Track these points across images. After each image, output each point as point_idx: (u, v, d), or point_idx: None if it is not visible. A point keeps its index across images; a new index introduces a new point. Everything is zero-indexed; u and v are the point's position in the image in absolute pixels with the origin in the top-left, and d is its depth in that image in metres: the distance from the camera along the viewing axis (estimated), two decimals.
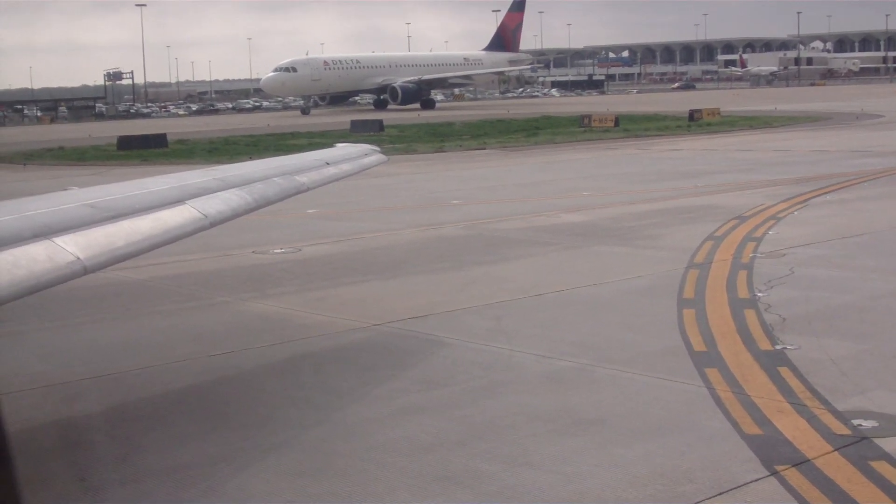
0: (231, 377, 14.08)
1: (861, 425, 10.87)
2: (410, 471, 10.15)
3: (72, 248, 9.25)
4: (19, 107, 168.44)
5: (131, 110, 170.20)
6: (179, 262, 22.01)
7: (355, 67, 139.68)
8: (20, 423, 11.89)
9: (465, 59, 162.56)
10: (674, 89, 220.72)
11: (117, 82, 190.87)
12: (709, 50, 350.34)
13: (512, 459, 10.33)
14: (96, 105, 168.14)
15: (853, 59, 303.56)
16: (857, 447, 10.28)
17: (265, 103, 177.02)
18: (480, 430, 11.28)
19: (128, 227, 10.30)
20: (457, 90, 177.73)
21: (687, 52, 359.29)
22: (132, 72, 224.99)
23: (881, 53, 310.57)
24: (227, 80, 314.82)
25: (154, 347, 15.57)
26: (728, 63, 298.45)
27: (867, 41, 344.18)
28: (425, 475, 10.02)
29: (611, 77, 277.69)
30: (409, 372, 13.77)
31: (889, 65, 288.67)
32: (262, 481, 10.03)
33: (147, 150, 63.93)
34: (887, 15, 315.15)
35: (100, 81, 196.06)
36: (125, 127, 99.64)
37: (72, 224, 9.71)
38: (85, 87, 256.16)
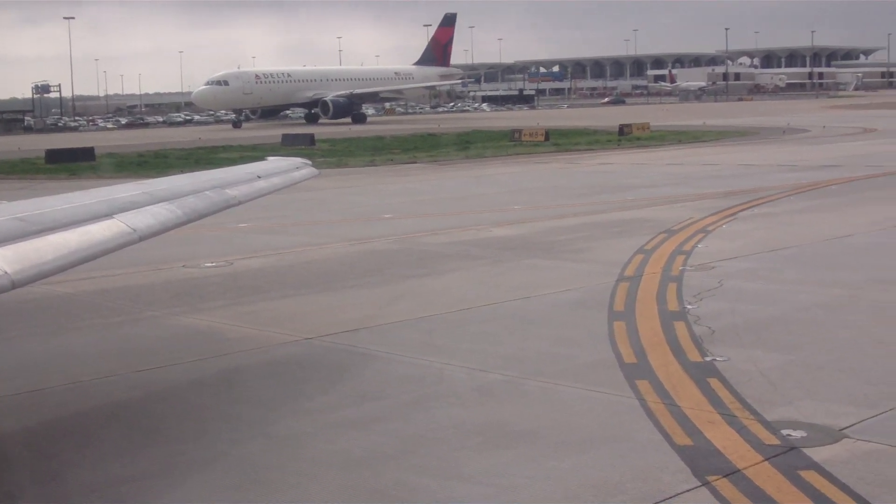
0: (162, 392, 13.97)
1: (790, 435, 11.00)
2: (343, 484, 10.13)
3: None
4: None
5: (59, 123, 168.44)
6: (108, 276, 21.81)
7: (287, 81, 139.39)
8: None
9: (396, 73, 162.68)
10: (604, 104, 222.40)
11: (45, 95, 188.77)
12: (638, 65, 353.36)
13: (444, 473, 10.34)
14: (25, 118, 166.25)
15: (780, 74, 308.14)
16: (787, 457, 10.40)
17: (196, 117, 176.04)
18: (412, 443, 11.28)
19: (56, 241, 10.21)
20: (388, 104, 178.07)
21: (617, 67, 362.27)
22: (60, 85, 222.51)
23: (807, 69, 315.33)
24: (157, 94, 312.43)
25: (84, 362, 15.40)
26: (657, 78, 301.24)
27: (793, 57, 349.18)
28: (358, 489, 10.01)
29: (541, 92, 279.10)
30: (342, 386, 13.74)
31: (814, 80, 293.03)
32: (195, 497, 9.97)
33: (75, 163, 63.26)
34: (813, 31, 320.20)
35: (28, 94, 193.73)
36: (53, 140, 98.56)
37: (0, 237, 9.60)
38: (14, 100, 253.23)
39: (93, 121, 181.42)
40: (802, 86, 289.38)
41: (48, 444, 11.84)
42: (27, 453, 11.67)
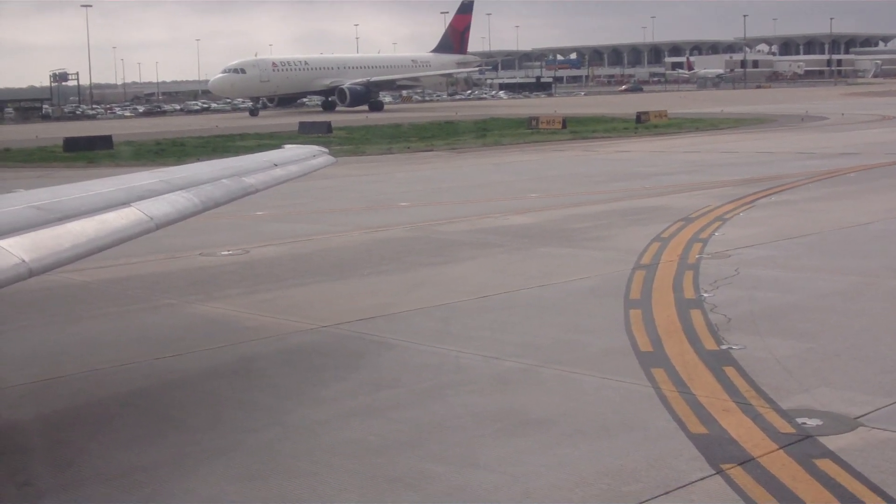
0: (178, 380, 14.01)
1: (805, 423, 10.98)
2: (359, 473, 10.14)
3: (17, 250, 9.19)
4: None
5: (77, 111, 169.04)
6: (125, 264, 21.88)
7: (304, 69, 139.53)
8: None
9: (413, 61, 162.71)
10: (621, 91, 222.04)
11: (63, 83, 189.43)
12: (656, 52, 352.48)
13: (460, 460, 10.35)
14: (43, 106, 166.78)
15: (798, 61, 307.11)
16: (802, 445, 10.38)
17: (213, 105, 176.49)
18: (428, 431, 11.30)
19: (74, 229, 10.25)
20: (405, 92, 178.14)
21: (634, 54, 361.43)
22: (77, 73, 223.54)
23: (825, 56, 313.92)
24: (174, 82, 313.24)
25: (100, 350, 15.45)
26: (675, 65, 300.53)
27: (811, 44, 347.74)
28: (374, 477, 10.02)
29: (558, 79, 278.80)
30: (358, 374, 13.77)
31: (833, 67, 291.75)
32: (210, 485, 9.99)
33: (93, 151, 63.43)
34: (831, 18, 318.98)
35: (46, 82, 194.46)
36: (71, 128, 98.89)
37: (18, 226, 9.65)
38: (32, 88, 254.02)
39: (110, 109, 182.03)
40: (821, 73, 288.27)
41: (64, 432, 11.88)
42: (42, 441, 11.71)
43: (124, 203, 11.46)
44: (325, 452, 10.74)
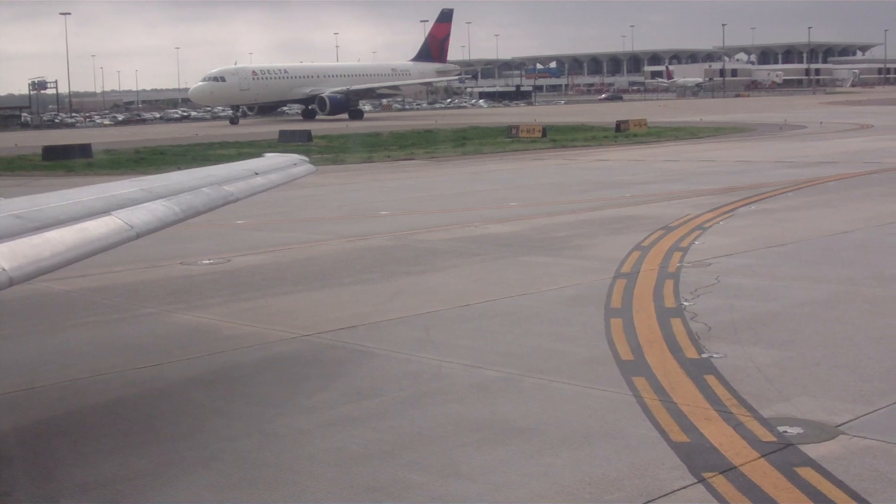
0: (158, 390, 13.96)
1: (786, 432, 11.02)
2: (340, 482, 10.13)
3: None
4: None
5: (56, 120, 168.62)
6: (105, 273, 21.82)
7: (283, 77, 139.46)
8: None
9: (392, 69, 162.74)
10: (601, 100, 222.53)
11: (42, 91, 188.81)
12: (635, 61, 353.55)
13: (441, 470, 10.35)
14: (21, 114, 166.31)
15: (777, 70, 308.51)
16: (783, 453, 10.41)
17: (193, 113, 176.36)
18: (409, 440, 11.29)
19: (54, 237, 10.21)
20: (385, 101, 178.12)
21: (614, 63, 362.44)
22: (56, 81, 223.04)
23: (804, 65, 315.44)
24: (154, 90, 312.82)
25: (80, 360, 15.40)
26: (655, 74, 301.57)
27: (790, 53, 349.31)
28: (355, 486, 10.01)
29: (538, 88, 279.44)
30: (339, 383, 13.75)
31: (811, 77, 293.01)
32: (191, 495, 9.96)
33: (72, 160, 63.21)
34: (810, 28, 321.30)
35: (24, 90, 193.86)
36: (50, 136, 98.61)
37: None
38: (10, 97, 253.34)
39: (89, 117, 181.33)
40: (799, 82, 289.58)
41: (43, 442, 11.83)
42: (22, 451, 11.66)
43: (104, 211, 11.42)
44: (306, 461, 10.72)
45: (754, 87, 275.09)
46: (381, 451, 10.95)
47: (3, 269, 9.09)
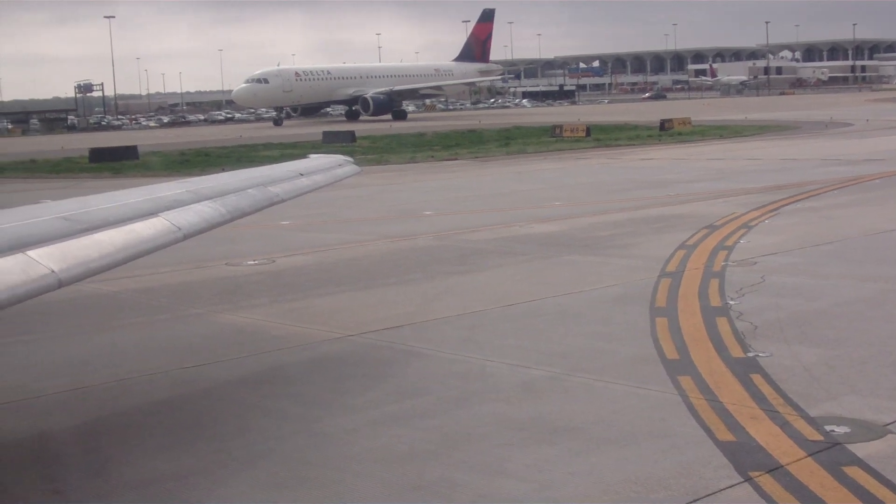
0: (205, 389, 14.07)
1: (833, 431, 10.96)
2: (385, 481, 10.17)
3: (46, 261, 9.24)
4: None
5: (102, 122, 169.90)
6: (152, 274, 21.98)
7: (327, 79, 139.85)
8: None
9: (435, 69, 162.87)
10: (644, 99, 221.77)
11: (88, 94, 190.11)
12: (679, 60, 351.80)
13: (486, 468, 10.37)
14: (68, 117, 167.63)
15: (822, 67, 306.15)
16: (830, 453, 10.36)
17: (237, 115, 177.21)
18: (455, 439, 11.32)
19: (102, 239, 10.29)
20: (428, 101, 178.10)
21: (657, 61, 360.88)
22: (102, 84, 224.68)
23: (849, 62, 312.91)
24: (198, 92, 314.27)
25: (128, 360, 15.53)
26: (698, 73, 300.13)
27: (835, 50, 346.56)
28: (400, 485, 10.05)
29: (581, 87, 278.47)
30: (384, 382, 13.80)
31: (857, 73, 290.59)
32: (237, 493, 10.04)
33: (119, 162, 63.70)
34: (854, 24, 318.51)
35: (70, 93, 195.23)
36: (96, 139, 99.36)
37: (45, 237, 9.69)
38: (56, 100, 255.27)
39: (135, 119, 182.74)
40: (845, 79, 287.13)
41: (92, 441, 11.96)
42: (71, 450, 11.79)
43: (152, 213, 11.51)
44: (352, 461, 10.77)
45: (799, 84, 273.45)
46: (426, 451, 10.98)
47: (53, 271, 9.17)
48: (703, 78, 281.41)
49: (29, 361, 15.81)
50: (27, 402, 13.55)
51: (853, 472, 9.84)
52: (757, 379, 13.04)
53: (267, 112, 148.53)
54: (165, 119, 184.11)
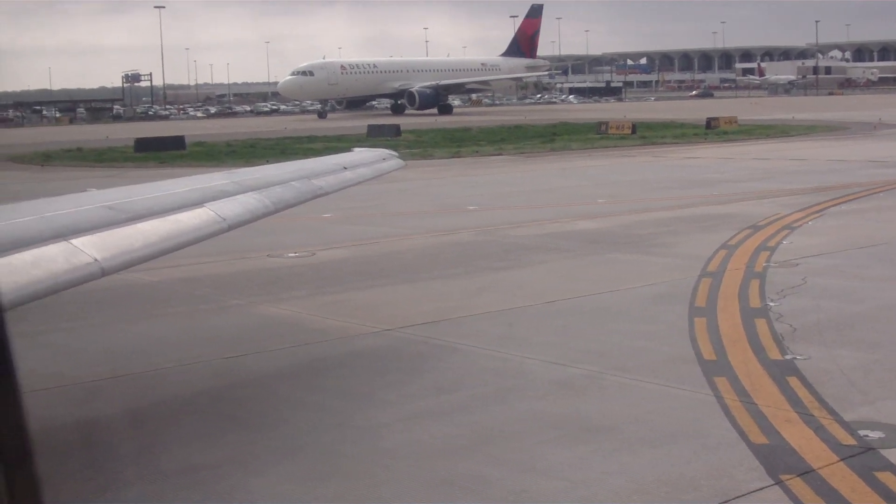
0: (243, 380, 14.19)
1: (867, 436, 10.93)
2: (418, 475, 10.25)
3: (90, 249, 9.37)
4: (38, 108, 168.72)
5: (149, 112, 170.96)
6: (194, 264, 22.13)
7: (372, 72, 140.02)
8: (35, 422, 11.97)
9: (482, 64, 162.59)
10: (691, 97, 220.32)
11: (135, 84, 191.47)
12: (727, 58, 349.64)
13: (519, 465, 10.43)
14: (114, 107, 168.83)
15: (872, 68, 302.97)
16: (863, 458, 10.34)
17: (283, 107, 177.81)
18: (488, 435, 11.38)
19: (146, 229, 10.44)
20: (474, 96, 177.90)
21: (705, 59, 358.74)
22: (150, 74, 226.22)
23: None
24: (244, 83, 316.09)
25: (168, 349, 15.69)
26: (746, 71, 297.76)
27: (886, 50, 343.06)
28: (433, 480, 10.13)
29: (628, 84, 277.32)
30: (420, 377, 13.88)
31: None
32: (272, 484, 10.14)
33: (165, 151, 63.99)
34: None
35: (118, 83, 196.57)
36: (143, 129, 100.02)
37: (90, 226, 9.83)
38: (103, 89, 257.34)
39: (182, 109, 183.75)
40: (895, 80, 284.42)
41: (128, 429, 12.09)
42: (107, 438, 11.94)
43: (197, 203, 11.64)
44: (386, 455, 10.86)
45: (848, 84, 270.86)
46: (459, 446, 11.05)
47: (96, 260, 9.30)
48: (751, 77, 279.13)
49: (70, 350, 16.00)
50: (67, 389, 13.70)
51: (885, 477, 9.82)
52: (793, 382, 13.02)
53: (312, 104, 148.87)
54: (212, 110, 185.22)
